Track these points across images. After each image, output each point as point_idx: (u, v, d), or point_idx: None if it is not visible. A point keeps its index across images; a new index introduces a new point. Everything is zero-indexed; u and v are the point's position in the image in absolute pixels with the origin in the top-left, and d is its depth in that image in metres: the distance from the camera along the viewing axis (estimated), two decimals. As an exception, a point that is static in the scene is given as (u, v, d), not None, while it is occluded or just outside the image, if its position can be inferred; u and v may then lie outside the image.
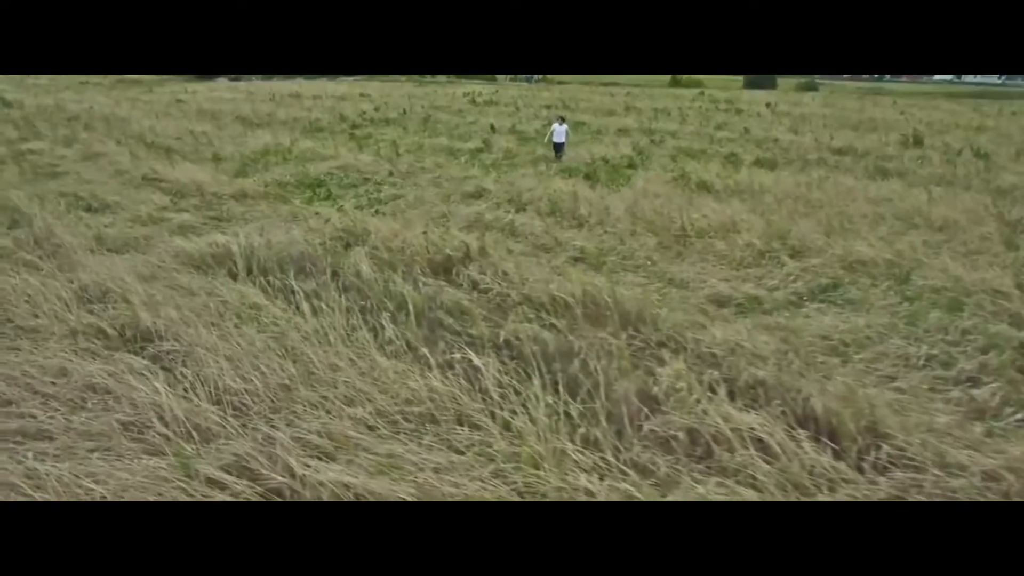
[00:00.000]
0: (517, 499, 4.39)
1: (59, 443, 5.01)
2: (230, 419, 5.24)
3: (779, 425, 4.97)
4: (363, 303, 7.13)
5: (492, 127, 26.12)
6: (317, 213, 10.65)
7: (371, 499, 4.27)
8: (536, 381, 5.52)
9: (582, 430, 4.95)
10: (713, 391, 5.30)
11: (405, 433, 5.14)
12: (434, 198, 13.52)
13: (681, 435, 4.88)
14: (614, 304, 6.87)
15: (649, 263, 9.49)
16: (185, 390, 5.52)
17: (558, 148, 19.04)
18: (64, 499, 4.32)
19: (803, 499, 4.43)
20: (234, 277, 8.27)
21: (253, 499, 4.38)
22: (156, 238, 10.30)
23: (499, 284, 7.72)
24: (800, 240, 10.31)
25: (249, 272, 8.38)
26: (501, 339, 6.49)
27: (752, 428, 4.90)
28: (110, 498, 4.34)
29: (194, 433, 5.09)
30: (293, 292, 7.47)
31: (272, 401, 5.49)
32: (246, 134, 23.43)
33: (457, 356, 5.84)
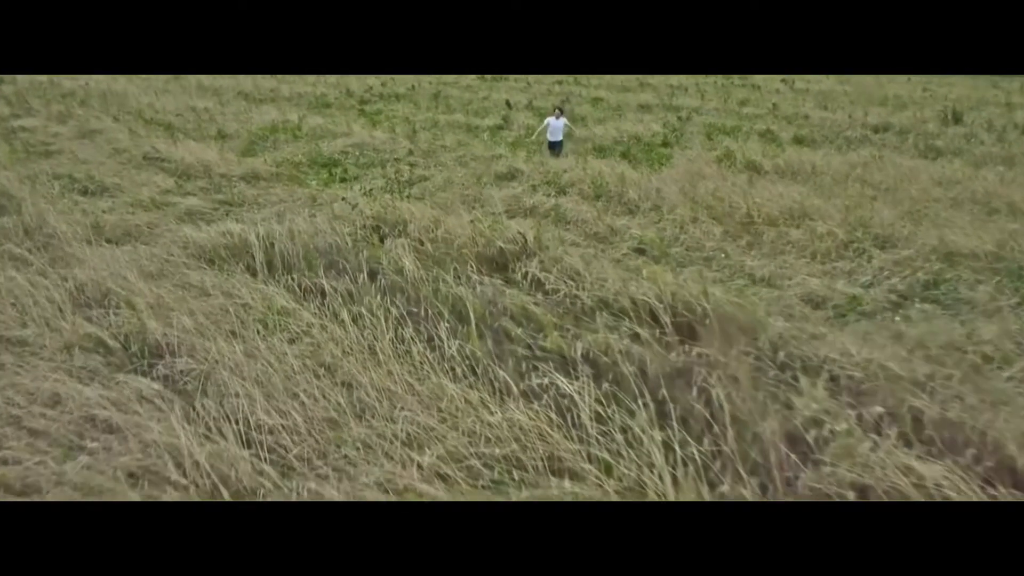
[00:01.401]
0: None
1: (50, 500, 3.92)
2: (266, 468, 4.15)
3: (971, 479, 3.88)
4: (411, 308, 6.02)
5: (508, 103, 24.84)
6: (343, 198, 9.47)
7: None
8: (642, 414, 4.43)
9: (723, 487, 3.86)
10: (878, 432, 4.20)
11: (488, 486, 4.05)
12: (463, 180, 12.36)
13: (851, 495, 3.79)
14: (712, 311, 5.76)
15: (722, 255, 8.37)
16: (208, 428, 4.41)
17: (554, 148, 14.69)
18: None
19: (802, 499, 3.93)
20: (254, 274, 7.15)
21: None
22: (161, 226, 9.16)
23: (565, 283, 6.59)
24: (882, 228, 9.18)
25: (271, 268, 7.26)
26: (579, 353, 5.39)
27: (938, 484, 3.81)
28: None
29: (221, 487, 4.00)
30: (325, 294, 6.35)
31: (316, 441, 4.40)
32: (250, 110, 22.17)
33: (543, 381, 4.73)
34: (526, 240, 7.20)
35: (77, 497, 3.95)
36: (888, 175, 13.27)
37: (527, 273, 6.78)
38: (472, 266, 6.89)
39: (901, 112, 24.89)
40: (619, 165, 13.10)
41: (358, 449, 4.28)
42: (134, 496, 3.95)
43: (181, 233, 8.53)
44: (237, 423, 4.42)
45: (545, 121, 15.20)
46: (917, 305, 7.23)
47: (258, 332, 5.58)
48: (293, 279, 6.77)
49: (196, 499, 3.93)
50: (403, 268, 6.77)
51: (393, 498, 3.93)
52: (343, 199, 9.42)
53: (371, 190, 10.80)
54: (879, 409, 4.30)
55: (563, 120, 14.96)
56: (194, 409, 4.59)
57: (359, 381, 4.89)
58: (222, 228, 8.42)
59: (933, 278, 7.82)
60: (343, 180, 12.91)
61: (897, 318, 6.79)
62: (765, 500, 3.88)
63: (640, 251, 8.57)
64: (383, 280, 6.59)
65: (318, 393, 4.77)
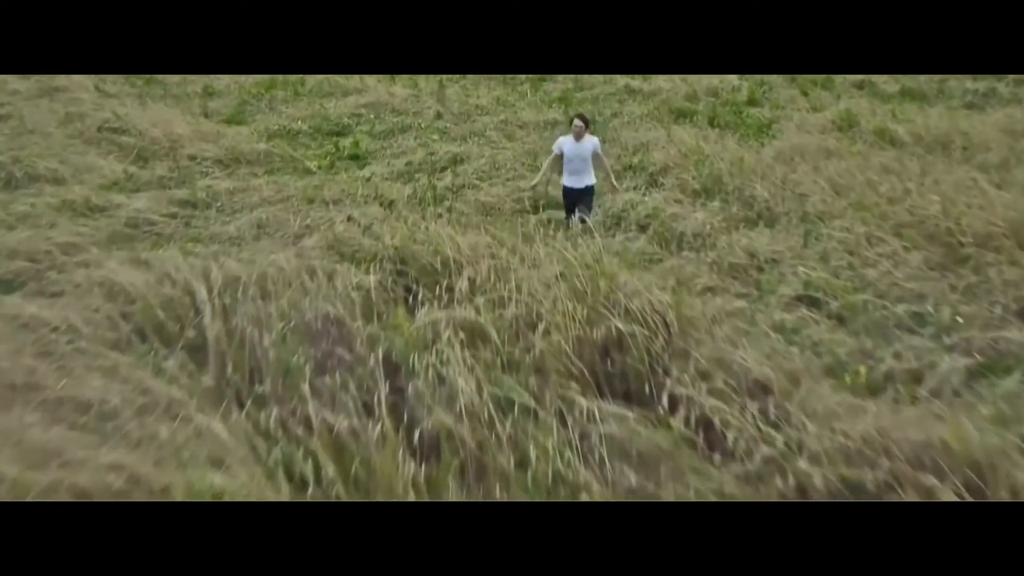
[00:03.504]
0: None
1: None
2: None
3: None
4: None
5: (546, 46, 21.37)
6: (350, 217, 6.25)
7: None
8: None
9: None
10: None
11: None
12: (512, 161, 9.17)
13: None
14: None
15: (958, 319, 5.19)
16: None
17: (579, 203, 7.11)
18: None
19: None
20: (196, 377, 4.16)
21: None
22: (79, 254, 6.13)
23: (749, 426, 3.52)
24: None
25: (221, 360, 4.26)
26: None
27: None
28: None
29: None
30: (316, 464, 3.33)
31: None
32: (247, 57, 18.89)
33: None
34: (664, 320, 4.10)
35: None
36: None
37: (675, 398, 3.70)
38: (575, 379, 3.81)
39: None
40: (717, 137, 9.86)
41: None
42: None
43: (103, 271, 5.50)
44: None
45: (555, 146, 7.33)
46: None
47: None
48: (260, 404, 3.75)
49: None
50: (454, 384, 3.71)
51: None
52: (349, 218, 6.23)
53: (392, 201, 7.51)
54: None
55: (592, 141, 7.25)
56: None
57: None
58: (164, 265, 5.40)
59: None
60: (354, 157, 9.84)
61: None
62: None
63: (811, 301, 5.46)
64: (419, 422, 3.54)
65: None
